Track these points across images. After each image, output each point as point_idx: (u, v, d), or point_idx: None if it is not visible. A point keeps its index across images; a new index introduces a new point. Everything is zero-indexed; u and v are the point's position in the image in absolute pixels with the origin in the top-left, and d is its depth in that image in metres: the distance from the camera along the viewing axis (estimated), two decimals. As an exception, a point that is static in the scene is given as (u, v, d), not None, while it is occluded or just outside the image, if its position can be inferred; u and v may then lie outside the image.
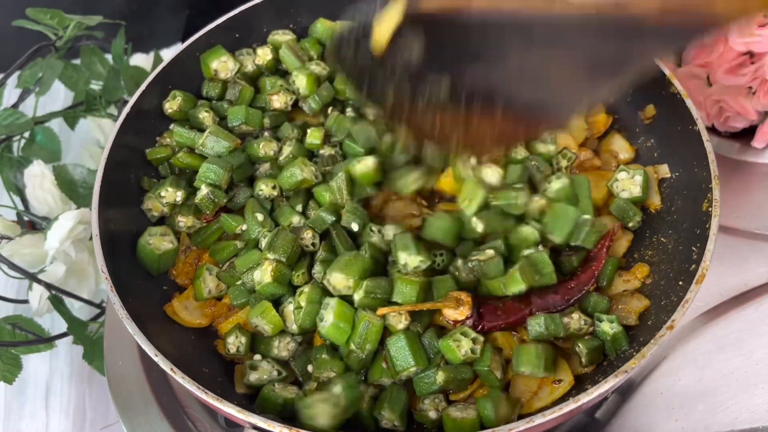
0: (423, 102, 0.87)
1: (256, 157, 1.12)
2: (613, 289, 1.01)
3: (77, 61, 1.46)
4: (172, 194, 1.08)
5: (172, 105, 1.17)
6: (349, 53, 0.87)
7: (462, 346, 0.92)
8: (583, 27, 0.76)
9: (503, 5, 0.79)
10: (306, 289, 0.97)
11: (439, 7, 0.81)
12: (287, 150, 1.12)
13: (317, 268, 1.00)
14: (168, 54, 1.25)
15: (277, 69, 1.25)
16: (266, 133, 1.16)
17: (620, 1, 0.73)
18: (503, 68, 0.83)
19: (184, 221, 1.08)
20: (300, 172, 1.07)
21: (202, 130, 1.14)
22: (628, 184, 1.07)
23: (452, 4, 0.81)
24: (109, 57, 1.48)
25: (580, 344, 0.94)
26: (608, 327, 0.94)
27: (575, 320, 0.95)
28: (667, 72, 1.07)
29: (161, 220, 1.11)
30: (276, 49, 1.24)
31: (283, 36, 1.26)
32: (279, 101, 1.18)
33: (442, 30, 0.82)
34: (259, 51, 1.24)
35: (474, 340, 0.93)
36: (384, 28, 0.82)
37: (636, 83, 1.14)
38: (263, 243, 1.01)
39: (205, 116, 1.16)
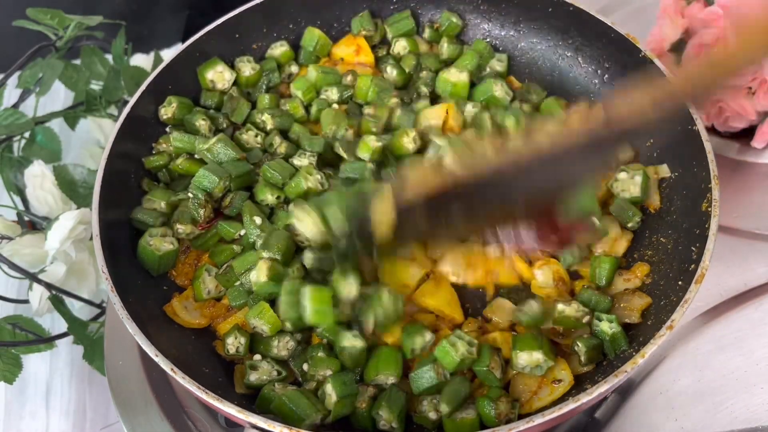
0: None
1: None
2: (614, 289, 1.01)
3: (77, 62, 1.45)
4: (157, 203, 1.08)
5: (167, 111, 1.17)
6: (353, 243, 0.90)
7: (458, 349, 0.92)
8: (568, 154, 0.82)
9: (480, 168, 0.83)
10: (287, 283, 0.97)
11: (423, 193, 0.85)
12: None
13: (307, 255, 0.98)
14: (168, 54, 1.25)
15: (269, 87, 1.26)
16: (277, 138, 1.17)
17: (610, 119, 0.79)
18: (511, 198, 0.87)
19: (183, 228, 1.08)
20: (305, 182, 1.07)
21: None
22: (628, 184, 1.07)
23: (433, 186, 0.84)
24: (109, 57, 1.48)
25: (579, 343, 0.94)
26: (607, 327, 0.94)
27: (572, 308, 0.96)
28: (666, 73, 1.07)
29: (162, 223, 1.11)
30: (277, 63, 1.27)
31: (280, 48, 1.27)
32: (272, 123, 1.19)
33: (441, 201, 0.85)
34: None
35: (469, 343, 0.93)
36: (382, 221, 0.86)
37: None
38: (259, 243, 1.01)
39: (202, 124, 1.16)
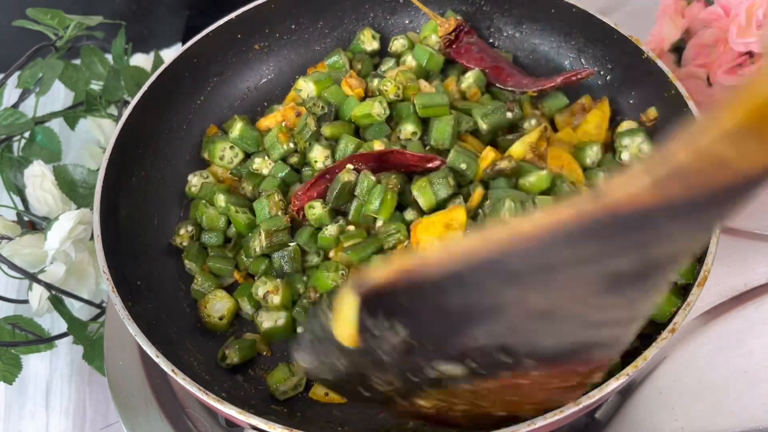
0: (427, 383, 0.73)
1: None
2: None
3: (77, 61, 1.45)
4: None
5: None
6: (320, 362, 0.73)
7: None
8: (574, 240, 0.59)
9: (463, 249, 0.62)
10: None
11: (390, 275, 0.64)
12: None
13: None
14: (168, 54, 1.25)
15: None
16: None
17: (600, 198, 0.57)
18: (505, 319, 0.66)
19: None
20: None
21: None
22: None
23: (403, 267, 0.63)
24: (109, 57, 1.47)
25: None
26: None
27: None
28: (669, 74, 1.07)
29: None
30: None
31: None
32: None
33: (415, 296, 0.65)
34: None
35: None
36: (344, 321, 0.67)
37: (638, 86, 1.14)
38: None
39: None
